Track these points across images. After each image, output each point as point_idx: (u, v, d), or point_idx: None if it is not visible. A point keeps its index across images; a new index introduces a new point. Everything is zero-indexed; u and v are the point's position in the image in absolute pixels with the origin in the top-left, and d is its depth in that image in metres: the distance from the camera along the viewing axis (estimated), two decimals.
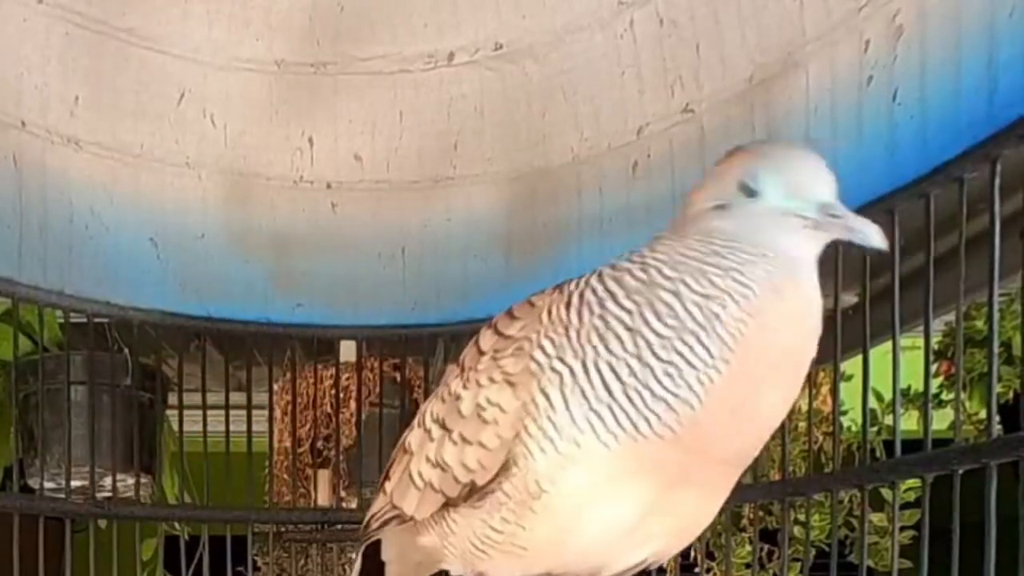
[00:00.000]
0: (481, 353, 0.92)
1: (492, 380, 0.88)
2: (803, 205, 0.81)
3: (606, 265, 0.85)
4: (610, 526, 0.88)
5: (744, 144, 0.88)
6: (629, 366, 0.79)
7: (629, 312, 0.79)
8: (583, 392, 0.81)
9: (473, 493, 0.92)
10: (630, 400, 0.79)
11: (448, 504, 0.96)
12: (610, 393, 0.79)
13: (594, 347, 0.80)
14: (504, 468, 0.87)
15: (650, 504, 0.85)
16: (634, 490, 0.84)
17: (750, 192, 0.82)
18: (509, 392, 0.86)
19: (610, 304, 0.81)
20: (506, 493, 0.88)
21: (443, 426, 0.95)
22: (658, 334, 0.78)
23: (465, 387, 0.92)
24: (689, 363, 0.77)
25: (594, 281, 0.84)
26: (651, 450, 0.80)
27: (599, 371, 0.80)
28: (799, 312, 0.79)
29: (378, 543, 1.17)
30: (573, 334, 0.82)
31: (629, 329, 0.79)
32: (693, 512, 0.90)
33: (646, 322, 0.78)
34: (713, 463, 0.84)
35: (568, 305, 0.84)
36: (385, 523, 1.09)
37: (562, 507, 0.86)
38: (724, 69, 1.41)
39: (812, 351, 0.81)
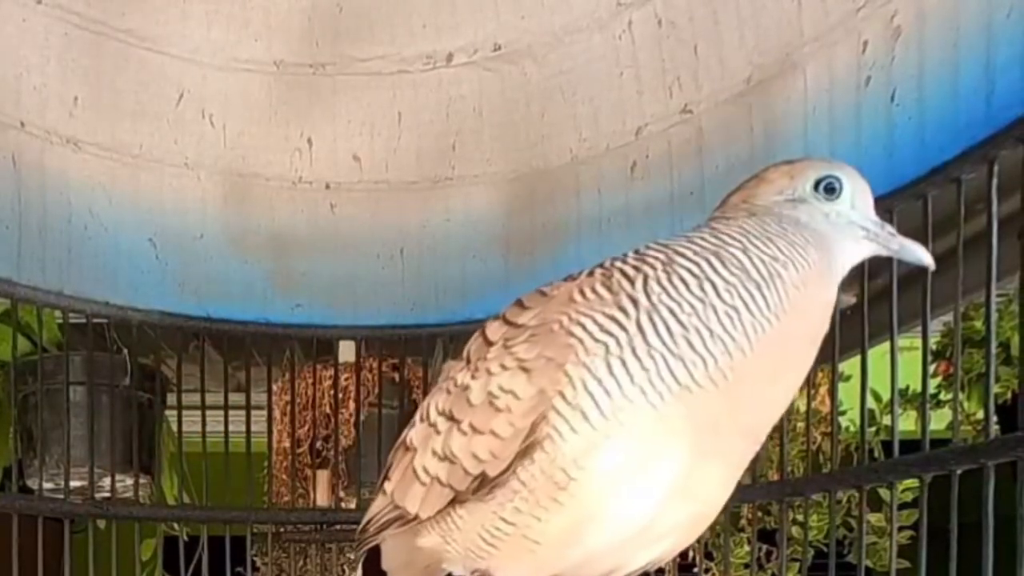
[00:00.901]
0: (489, 344, 0.91)
1: (504, 367, 0.87)
2: (864, 218, 0.91)
3: (631, 250, 0.89)
4: (630, 516, 0.87)
5: (802, 156, 0.97)
6: (693, 307, 0.82)
7: (696, 264, 0.84)
8: (635, 351, 0.82)
9: (484, 485, 0.90)
10: (689, 343, 0.82)
11: (455, 499, 0.94)
12: (671, 336, 0.82)
13: (657, 295, 0.83)
14: (520, 456, 0.86)
15: (675, 483, 0.86)
16: (667, 461, 0.85)
17: (830, 194, 0.90)
18: (523, 378, 0.85)
19: (678, 259, 0.85)
20: (523, 482, 0.87)
21: (450, 417, 0.94)
22: (724, 279, 0.83)
23: (474, 377, 0.91)
24: (748, 309, 0.82)
25: (645, 251, 0.88)
26: (695, 405, 0.82)
27: (661, 318, 0.82)
28: (829, 304, 0.87)
29: (378, 551, 1.15)
30: (625, 300, 0.84)
31: (696, 276, 0.83)
32: (710, 493, 0.90)
33: (714, 269, 0.84)
34: (736, 433, 0.87)
35: (608, 281, 0.86)
36: (385, 526, 1.07)
37: (587, 495, 0.85)
38: (722, 70, 1.41)
39: (820, 339, 0.87)
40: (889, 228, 0.92)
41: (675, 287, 0.83)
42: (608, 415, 0.82)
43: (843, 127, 1.28)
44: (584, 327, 0.83)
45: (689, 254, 0.85)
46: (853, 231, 0.90)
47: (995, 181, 1.10)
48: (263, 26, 1.63)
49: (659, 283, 0.84)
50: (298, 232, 1.75)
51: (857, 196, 0.91)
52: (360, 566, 1.17)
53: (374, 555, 1.15)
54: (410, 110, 1.69)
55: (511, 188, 1.70)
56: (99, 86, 1.60)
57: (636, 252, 0.88)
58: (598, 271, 0.88)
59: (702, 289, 0.83)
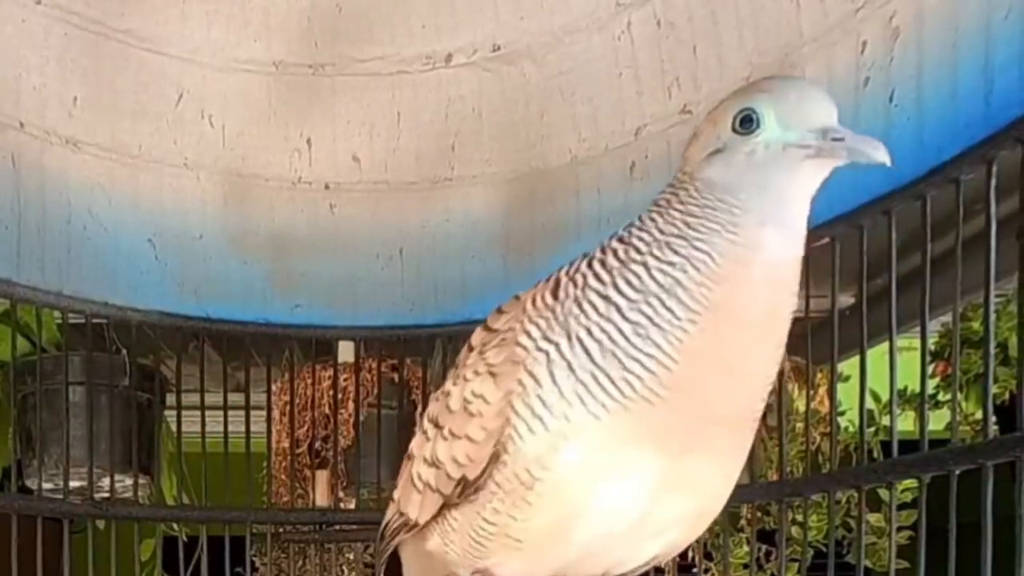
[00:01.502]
0: (471, 350, 0.94)
1: (477, 373, 0.89)
2: (803, 134, 0.79)
3: (597, 248, 0.88)
4: (615, 511, 0.86)
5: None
6: (604, 329, 0.81)
7: (604, 283, 0.82)
8: (568, 364, 0.82)
9: (467, 489, 0.92)
10: (609, 363, 0.80)
11: (446, 504, 0.96)
12: (591, 359, 0.81)
13: (575, 317, 0.83)
14: (493, 459, 0.88)
15: (657, 480, 0.84)
16: (634, 464, 0.83)
17: (747, 126, 0.80)
18: (491, 382, 0.87)
19: (591, 280, 0.83)
20: (497, 484, 0.88)
21: (436, 424, 0.96)
22: (627, 298, 0.81)
23: (454, 383, 0.93)
24: (654, 323, 0.79)
25: (582, 266, 0.86)
26: (643, 417, 0.80)
27: (580, 339, 0.82)
28: (770, 271, 0.79)
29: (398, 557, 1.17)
30: (559, 311, 0.84)
31: (603, 297, 0.82)
32: (705, 484, 0.87)
33: (617, 289, 0.81)
34: (712, 425, 0.83)
35: (555, 290, 0.86)
36: (395, 533, 1.09)
37: (557, 494, 0.85)
38: (722, 70, 1.41)
39: (790, 303, 0.81)
40: (836, 131, 0.79)
41: (586, 311, 0.82)
42: (559, 419, 0.83)
43: (842, 127, 1.28)
44: (529, 335, 0.85)
45: (603, 274, 0.83)
46: (788, 157, 0.79)
47: (993, 182, 1.10)
48: (262, 26, 1.63)
49: (577, 304, 0.83)
50: (297, 232, 1.75)
51: (788, 112, 0.79)
52: (382, 572, 1.17)
53: (394, 561, 1.17)
54: (409, 110, 1.69)
55: (510, 188, 1.70)
56: (98, 86, 1.60)
57: (585, 256, 0.87)
58: (555, 277, 0.88)
59: (607, 309, 0.81)
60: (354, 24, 1.63)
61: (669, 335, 0.79)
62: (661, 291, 0.79)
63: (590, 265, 0.85)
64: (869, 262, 1.29)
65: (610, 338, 0.80)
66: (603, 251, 0.85)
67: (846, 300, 1.81)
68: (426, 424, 0.99)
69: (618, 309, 0.80)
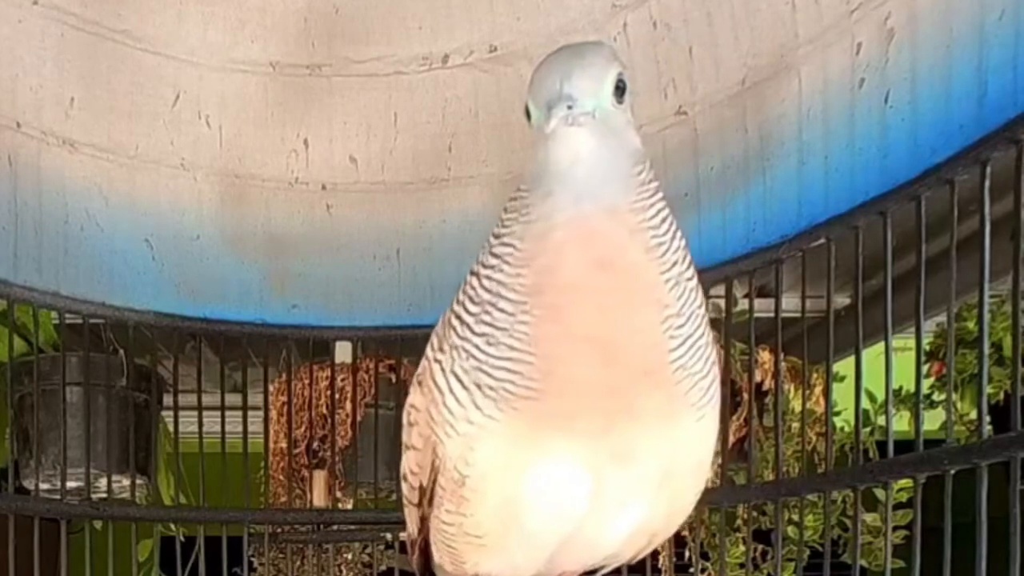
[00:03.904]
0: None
1: (417, 383, 0.92)
2: (543, 112, 0.76)
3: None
4: (555, 494, 0.85)
5: None
6: (466, 348, 0.82)
7: (459, 301, 0.85)
8: (456, 376, 0.84)
9: (425, 496, 0.96)
10: (480, 376, 0.81)
11: (423, 515, 1.00)
12: (467, 373, 0.83)
13: (449, 333, 0.85)
14: (433, 464, 0.91)
15: (588, 458, 0.83)
16: (553, 450, 0.82)
17: (528, 117, 0.80)
18: (419, 391, 0.90)
19: (458, 295, 0.85)
20: (441, 486, 0.91)
21: (402, 440, 1.00)
22: (471, 313, 0.82)
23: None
24: (498, 328, 0.79)
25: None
26: (536, 411, 0.80)
27: (456, 355, 0.83)
28: (571, 231, 0.76)
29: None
30: (440, 327, 0.87)
31: (457, 316, 0.84)
32: (649, 447, 0.84)
33: (464, 306, 0.83)
34: (619, 392, 0.80)
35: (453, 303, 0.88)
36: (412, 545, 1.11)
37: (485, 487, 0.86)
38: (717, 72, 1.42)
39: (623, 249, 0.77)
40: (560, 102, 0.74)
41: (454, 328, 0.84)
42: (463, 423, 0.84)
43: (837, 129, 1.29)
44: (431, 346, 0.88)
45: (460, 291, 0.84)
46: (543, 139, 0.76)
47: (987, 183, 1.11)
48: (259, 27, 1.63)
49: (448, 322, 0.85)
50: (294, 233, 1.75)
51: (535, 93, 0.77)
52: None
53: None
54: (406, 111, 1.69)
55: (507, 189, 1.69)
56: (95, 87, 1.60)
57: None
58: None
59: (463, 329, 0.83)
60: (351, 25, 1.63)
61: (514, 334, 0.79)
62: (491, 296, 0.80)
63: (464, 280, 0.86)
64: (864, 263, 1.29)
65: (472, 355, 0.82)
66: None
67: (842, 300, 1.82)
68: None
69: (469, 326, 0.82)
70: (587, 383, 0.79)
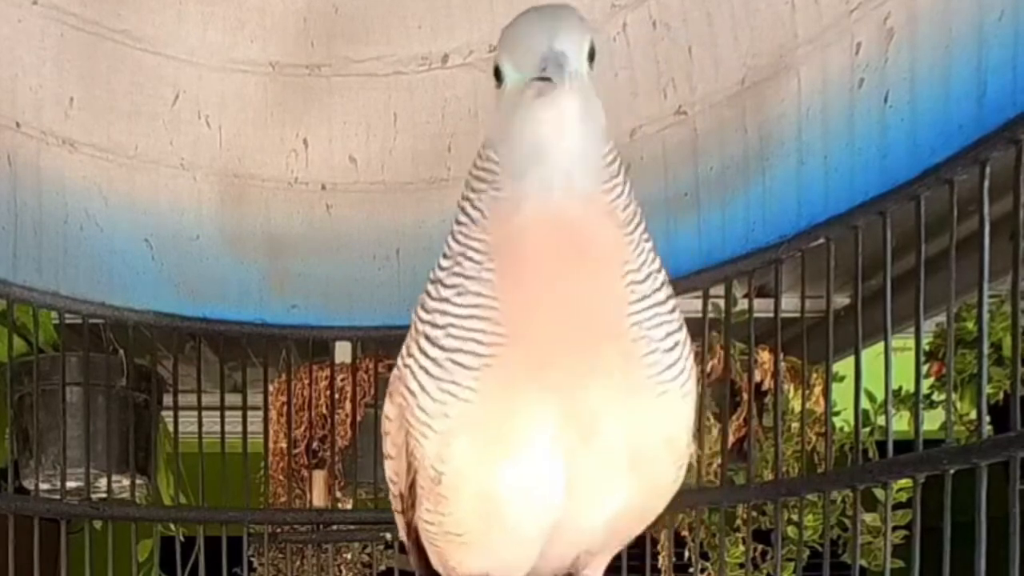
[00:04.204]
0: None
1: (387, 396, 0.94)
2: (526, 72, 0.72)
3: None
4: (524, 482, 0.86)
5: None
6: (443, 298, 0.82)
7: (426, 290, 0.86)
8: (426, 370, 0.84)
9: (405, 502, 0.98)
10: (454, 328, 0.81)
11: (407, 521, 1.01)
12: (440, 338, 0.82)
13: (425, 296, 0.85)
14: (410, 469, 0.93)
15: (556, 436, 0.83)
16: (522, 431, 0.83)
17: (498, 79, 0.77)
18: (390, 402, 0.92)
19: (427, 281, 0.86)
20: (420, 487, 0.92)
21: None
22: (442, 267, 0.83)
23: None
24: (467, 277, 0.80)
25: None
26: (510, 357, 0.80)
27: (431, 317, 0.84)
28: (539, 212, 0.76)
29: None
30: (411, 327, 0.88)
31: (420, 318, 0.85)
32: (614, 423, 0.83)
33: (429, 295, 0.84)
34: (583, 372, 0.81)
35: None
36: (409, 552, 1.13)
37: (462, 481, 0.87)
38: (716, 72, 1.42)
39: (581, 235, 0.77)
40: (550, 58, 0.70)
41: (426, 292, 0.85)
42: (440, 419, 0.84)
43: (837, 129, 1.29)
44: (401, 355, 0.89)
45: (429, 278, 0.85)
46: (521, 102, 0.73)
47: (987, 183, 1.11)
48: (259, 27, 1.63)
49: (414, 323, 0.86)
50: (294, 233, 1.75)
51: (514, 52, 0.74)
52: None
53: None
54: (406, 111, 1.69)
55: None
56: (95, 87, 1.60)
57: None
58: None
59: (429, 315, 0.83)
60: (350, 25, 1.63)
61: (481, 281, 0.79)
62: (461, 248, 0.81)
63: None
64: (864, 263, 1.29)
65: (445, 311, 0.82)
66: None
67: (841, 300, 1.82)
68: None
69: (441, 282, 0.82)
70: (550, 329, 0.79)
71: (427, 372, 0.84)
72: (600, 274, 0.79)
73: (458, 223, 0.82)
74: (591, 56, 0.76)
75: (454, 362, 0.82)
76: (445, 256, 0.83)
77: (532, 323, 0.79)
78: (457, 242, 0.81)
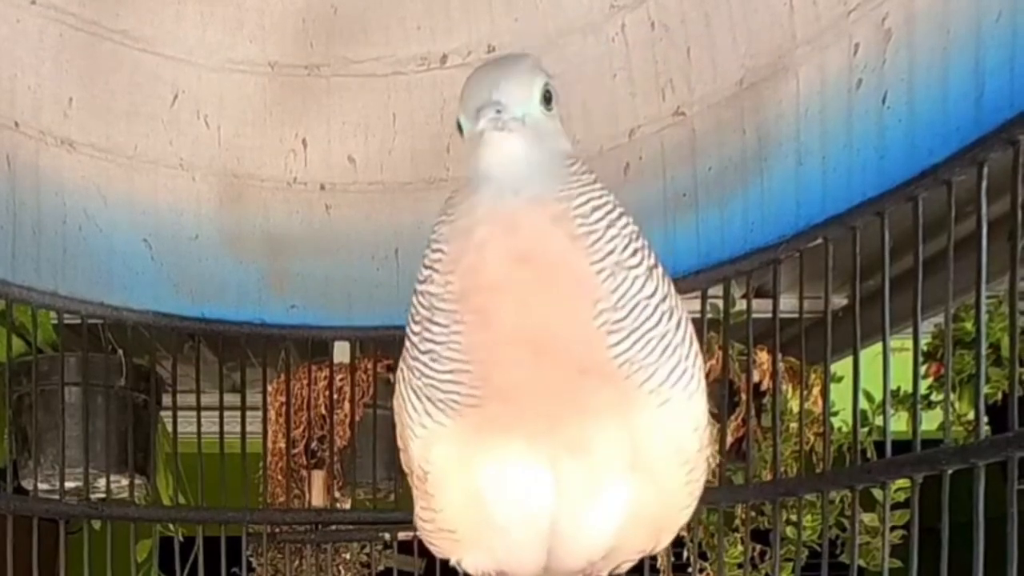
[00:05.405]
0: None
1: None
2: (472, 121, 0.78)
3: None
4: (517, 486, 0.86)
5: None
6: (415, 366, 0.85)
7: (408, 320, 0.87)
8: (412, 390, 0.87)
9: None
10: (431, 391, 0.84)
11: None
12: (421, 386, 0.85)
13: (405, 348, 0.88)
14: (409, 463, 0.95)
15: (541, 451, 0.84)
16: (504, 449, 0.84)
17: (460, 130, 0.83)
18: (395, 397, 0.94)
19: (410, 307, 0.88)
20: (414, 485, 0.95)
21: None
22: (414, 332, 0.85)
23: None
24: (438, 343, 0.81)
25: None
26: (482, 416, 0.82)
27: (412, 371, 0.86)
28: (493, 227, 0.78)
29: None
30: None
31: (408, 334, 0.87)
32: (602, 441, 0.83)
33: (408, 325, 0.86)
34: (564, 393, 0.81)
35: None
36: None
37: (445, 483, 0.89)
38: (715, 72, 1.42)
39: (548, 243, 0.77)
40: (486, 110, 0.76)
41: (407, 346, 0.86)
42: (420, 427, 0.87)
43: (835, 129, 1.29)
44: (405, 350, 0.90)
45: (410, 307, 0.86)
46: (472, 147, 0.79)
47: (984, 183, 1.11)
48: (257, 27, 1.63)
49: (406, 338, 0.88)
50: (293, 233, 1.75)
51: (465, 104, 0.80)
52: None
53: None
54: (404, 111, 1.69)
55: None
56: (94, 87, 1.60)
57: None
58: None
59: (411, 348, 0.85)
60: (349, 25, 1.63)
61: (451, 346, 0.80)
62: (427, 312, 0.82)
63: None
64: (862, 263, 1.29)
65: (422, 372, 0.84)
66: None
67: (839, 301, 1.82)
68: None
69: (416, 346, 0.84)
70: (522, 385, 0.80)
71: (413, 391, 0.87)
72: (564, 310, 0.78)
73: (420, 281, 0.83)
74: (548, 98, 0.81)
75: (431, 402, 0.85)
76: (413, 320, 0.85)
77: (506, 377, 0.79)
78: (422, 305, 0.83)
